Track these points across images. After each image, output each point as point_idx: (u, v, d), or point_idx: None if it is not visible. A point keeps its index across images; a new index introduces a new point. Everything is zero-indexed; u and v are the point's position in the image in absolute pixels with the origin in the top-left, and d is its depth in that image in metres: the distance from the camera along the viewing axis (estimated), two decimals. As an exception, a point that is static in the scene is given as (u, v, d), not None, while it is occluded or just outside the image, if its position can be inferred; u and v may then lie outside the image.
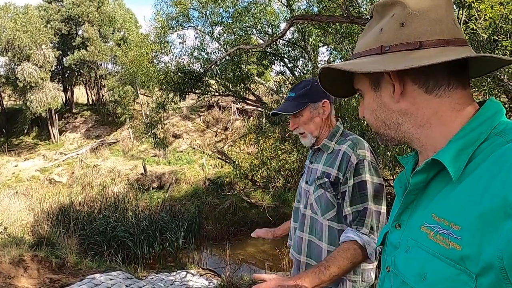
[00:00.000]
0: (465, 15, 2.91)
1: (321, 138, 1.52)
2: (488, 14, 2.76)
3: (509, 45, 2.69)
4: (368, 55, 0.65)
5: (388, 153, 3.63)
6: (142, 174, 13.16)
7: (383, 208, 1.34)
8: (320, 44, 8.11)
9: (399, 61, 0.60)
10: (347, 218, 1.36)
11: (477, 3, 2.77)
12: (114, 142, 16.81)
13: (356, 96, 0.79)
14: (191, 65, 8.44)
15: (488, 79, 2.90)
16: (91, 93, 20.62)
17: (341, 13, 5.05)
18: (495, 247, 0.47)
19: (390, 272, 0.67)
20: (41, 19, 16.76)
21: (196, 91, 8.43)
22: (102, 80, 19.07)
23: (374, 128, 0.71)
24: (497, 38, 2.84)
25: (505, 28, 2.75)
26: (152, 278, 5.92)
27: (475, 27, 2.88)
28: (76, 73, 18.83)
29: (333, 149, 1.46)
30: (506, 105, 3.45)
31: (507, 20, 2.73)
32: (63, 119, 18.90)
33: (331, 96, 1.42)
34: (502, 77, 2.89)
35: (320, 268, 1.23)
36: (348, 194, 1.35)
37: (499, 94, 2.99)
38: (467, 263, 0.51)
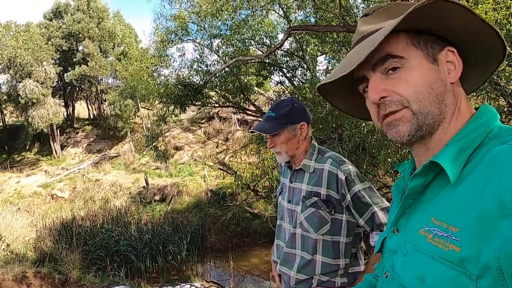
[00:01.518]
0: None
1: (298, 158, 1.57)
2: (482, 20, 2.80)
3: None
4: None
5: (389, 159, 3.63)
6: (144, 187, 13.15)
7: (385, 201, 1.44)
8: (318, 53, 8.19)
9: None
10: (366, 227, 1.46)
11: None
12: (116, 156, 16.84)
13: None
14: (191, 77, 8.53)
15: (486, 83, 2.93)
16: (92, 108, 20.76)
17: (338, 22, 5.11)
18: (492, 247, 0.47)
19: (388, 276, 0.67)
20: (42, 36, 16.99)
21: (196, 103, 8.48)
22: (103, 94, 19.22)
23: (420, 103, 0.60)
24: (492, 43, 2.88)
25: (500, 33, 2.79)
26: (156, 292, 5.86)
27: (470, 33, 2.92)
28: (77, 88, 18.99)
29: (314, 168, 1.53)
30: (505, 109, 3.47)
31: (501, 25, 2.77)
32: (64, 134, 18.99)
33: (309, 118, 1.57)
34: (499, 81, 2.92)
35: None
36: (352, 207, 1.45)
37: (496, 98, 3.01)
38: (466, 265, 0.50)
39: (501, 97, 3.06)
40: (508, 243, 0.46)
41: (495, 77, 2.91)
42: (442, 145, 0.61)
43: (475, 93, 3.08)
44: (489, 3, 2.81)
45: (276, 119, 1.52)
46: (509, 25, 2.74)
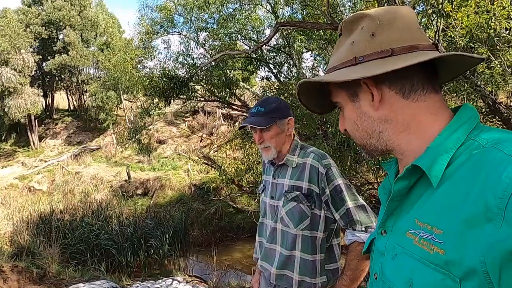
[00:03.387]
0: (443, 23, 3.03)
1: (282, 153, 1.58)
2: (464, 23, 2.89)
3: (485, 52, 2.82)
4: (343, 67, 0.66)
5: (372, 156, 3.71)
6: (126, 180, 12.94)
7: (361, 199, 1.46)
8: (304, 50, 8.23)
9: (374, 69, 0.61)
10: (340, 222, 1.46)
11: (454, 12, 2.90)
12: (97, 149, 16.48)
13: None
14: (176, 70, 8.41)
15: (466, 85, 3.02)
16: (72, 99, 20.18)
17: (325, 20, 5.15)
18: (478, 251, 0.48)
19: (378, 279, 0.67)
20: (20, 23, 16.34)
21: (181, 97, 8.39)
22: (84, 85, 18.70)
23: (357, 140, 0.72)
24: (473, 45, 2.97)
25: (480, 36, 2.88)
26: (137, 286, 5.81)
27: (452, 35, 3.01)
28: (57, 78, 18.40)
29: (297, 163, 1.54)
30: (483, 110, 3.60)
31: (482, 28, 2.86)
32: (43, 125, 18.40)
33: (292, 114, 1.59)
34: (479, 82, 3.02)
35: (341, 277, 1.45)
36: (330, 202, 1.45)
37: (476, 99, 3.11)
38: (451, 268, 0.51)
39: (480, 98, 3.17)
40: (494, 247, 0.46)
41: (475, 79, 3.01)
42: (423, 147, 0.61)
43: (455, 94, 3.17)
44: (471, 6, 2.89)
45: (266, 114, 1.51)
46: (489, 28, 2.83)
